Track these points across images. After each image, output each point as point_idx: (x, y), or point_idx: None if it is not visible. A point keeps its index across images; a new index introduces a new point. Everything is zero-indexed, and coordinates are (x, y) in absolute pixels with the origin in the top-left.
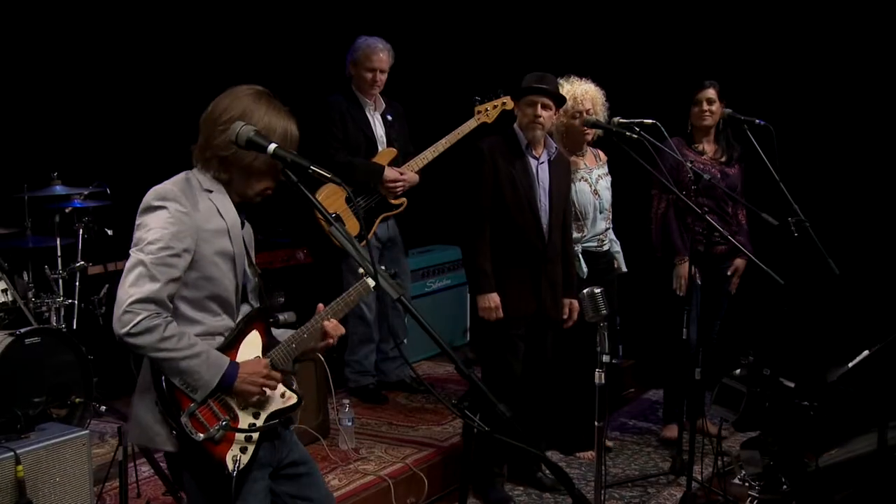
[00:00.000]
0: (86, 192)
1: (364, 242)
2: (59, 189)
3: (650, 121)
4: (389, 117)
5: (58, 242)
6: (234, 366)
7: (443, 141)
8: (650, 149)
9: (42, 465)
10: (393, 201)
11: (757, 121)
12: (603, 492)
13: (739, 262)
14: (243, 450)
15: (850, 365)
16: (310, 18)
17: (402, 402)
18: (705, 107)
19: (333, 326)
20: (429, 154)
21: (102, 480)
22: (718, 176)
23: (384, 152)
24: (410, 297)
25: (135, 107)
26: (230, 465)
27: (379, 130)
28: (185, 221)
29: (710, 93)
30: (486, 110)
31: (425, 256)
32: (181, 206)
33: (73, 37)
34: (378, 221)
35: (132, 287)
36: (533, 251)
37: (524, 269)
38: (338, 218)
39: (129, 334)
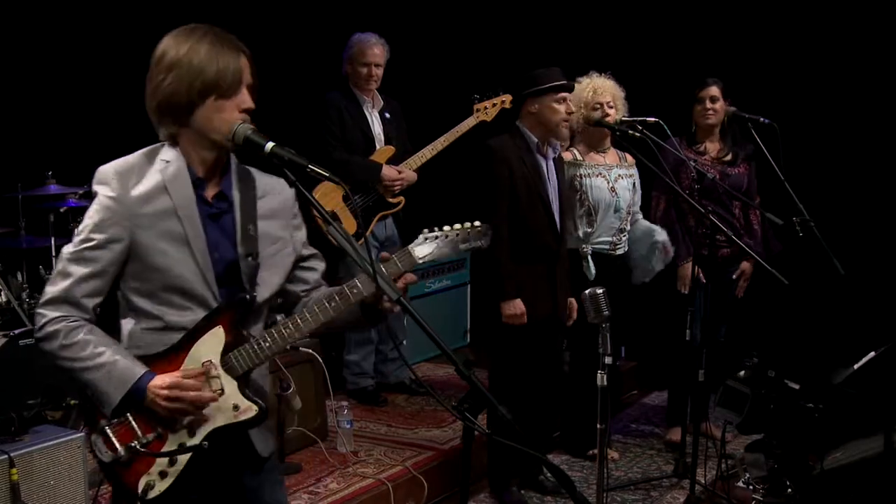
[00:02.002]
0: (80, 192)
1: (361, 241)
2: (54, 188)
3: (653, 119)
4: (387, 115)
5: (52, 242)
6: (144, 380)
7: (441, 139)
8: (653, 148)
9: (37, 468)
10: (391, 200)
11: (761, 119)
12: (605, 495)
13: (746, 266)
14: (162, 474)
15: (856, 366)
16: (307, 16)
17: (402, 404)
18: (708, 105)
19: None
20: (427, 152)
21: (97, 484)
22: (718, 177)
23: (382, 150)
24: (409, 298)
25: (130, 106)
26: (140, 491)
27: (377, 128)
28: (110, 208)
29: (714, 90)
30: (486, 108)
31: None
32: (110, 189)
33: (68, 36)
34: (375, 220)
35: (48, 284)
36: (548, 251)
37: (541, 270)
38: (335, 217)
39: (36, 338)
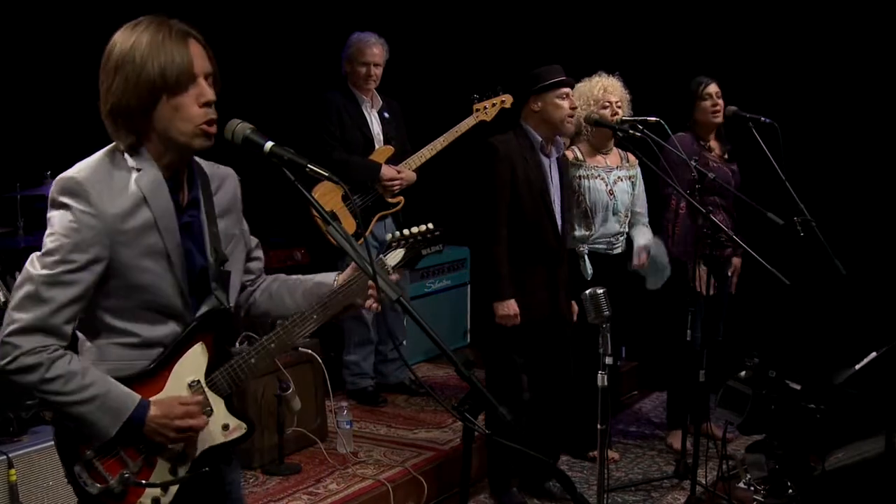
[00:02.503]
0: None
1: (361, 240)
2: None
3: (654, 118)
4: (386, 115)
5: None
6: (141, 409)
7: (440, 139)
8: (654, 147)
9: (35, 468)
10: (390, 200)
11: (762, 118)
12: (606, 496)
13: (737, 261)
14: (156, 501)
15: (857, 367)
16: (307, 16)
17: (402, 404)
18: (717, 100)
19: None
20: (426, 152)
21: None
22: (729, 174)
23: (381, 150)
24: (409, 298)
25: None
26: None
27: (376, 128)
28: (91, 226)
29: (716, 87)
30: (485, 108)
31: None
32: (87, 203)
33: (66, 35)
34: (375, 220)
35: (16, 310)
36: (549, 252)
37: (542, 271)
38: (334, 216)
39: (5, 371)
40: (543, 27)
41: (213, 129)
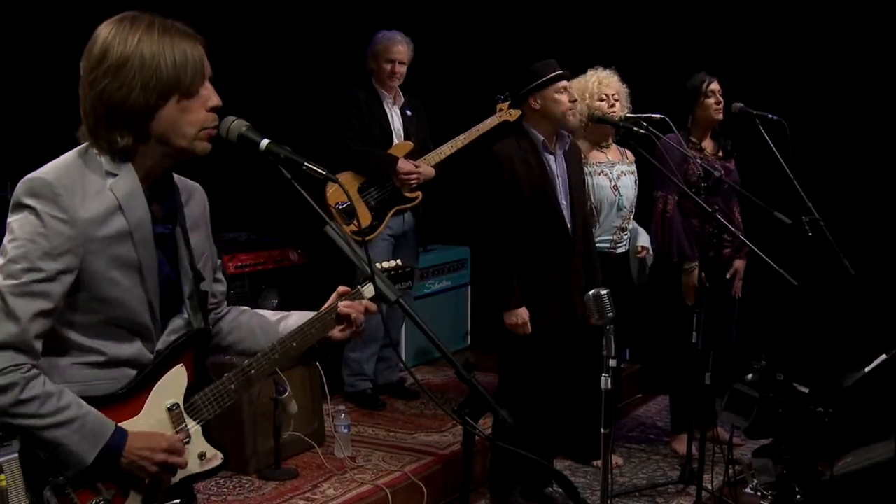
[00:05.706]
0: None
1: (364, 238)
2: None
3: (658, 115)
4: (409, 112)
5: None
6: (119, 436)
7: (461, 137)
8: (658, 145)
9: None
10: (407, 194)
11: (770, 115)
12: (609, 501)
13: (739, 264)
14: None
15: (867, 370)
16: (332, 12)
17: (401, 408)
18: (720, 98)
19: (352, 306)
20: (446, 149)
21: None
22: (724, 173)
23: (400, 145)
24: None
25: None
26: None
27: (396, 124)
28: (61, 232)
29: (718, 84)
30: (509, 108)
31: (424, 257)
32: (58, 207)
33: (56, 31)
34: (391, 214)
35: None
36: (559, 253)
37: (553, 274)
38: (352, 211)
39: None
40: (570, 26)
41: (214, 134)
